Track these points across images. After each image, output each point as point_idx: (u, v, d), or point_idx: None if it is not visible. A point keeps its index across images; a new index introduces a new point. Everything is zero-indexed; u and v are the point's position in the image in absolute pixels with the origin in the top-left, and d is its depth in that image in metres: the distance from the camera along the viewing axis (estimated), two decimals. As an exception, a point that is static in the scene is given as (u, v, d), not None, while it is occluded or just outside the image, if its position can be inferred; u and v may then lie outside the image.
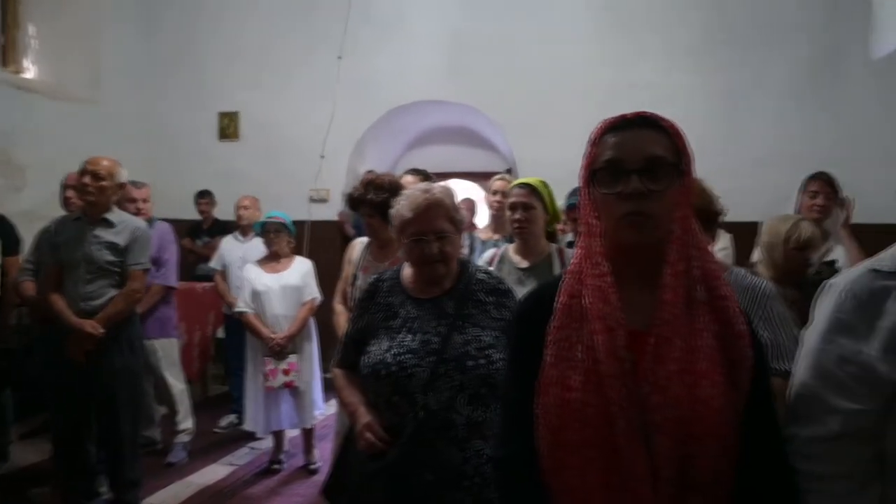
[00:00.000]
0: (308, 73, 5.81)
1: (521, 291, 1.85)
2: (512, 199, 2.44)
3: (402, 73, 5.63)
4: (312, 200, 5.82)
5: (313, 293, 3.66)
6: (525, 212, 2.39)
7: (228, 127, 6.12)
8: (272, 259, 3.66)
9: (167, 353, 3.75)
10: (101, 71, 5.75)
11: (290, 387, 3.54)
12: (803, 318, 1.01)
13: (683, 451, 0.89)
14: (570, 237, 3.17)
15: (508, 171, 5.35)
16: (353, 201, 2.74)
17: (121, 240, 2.88)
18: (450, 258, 1.68)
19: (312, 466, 3.70)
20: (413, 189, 1.76)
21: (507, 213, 2.47)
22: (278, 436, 3.77)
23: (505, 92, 5.40)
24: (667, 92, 4.86)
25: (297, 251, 3.95)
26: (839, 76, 4.78)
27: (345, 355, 1.78)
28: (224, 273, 4.31)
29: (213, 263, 4.41)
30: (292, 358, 3.54)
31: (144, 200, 3.69)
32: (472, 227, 4.55)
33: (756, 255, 2.44)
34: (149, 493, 3.24)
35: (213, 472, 3.65)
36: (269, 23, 5.93)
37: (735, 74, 5.00)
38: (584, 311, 0.96)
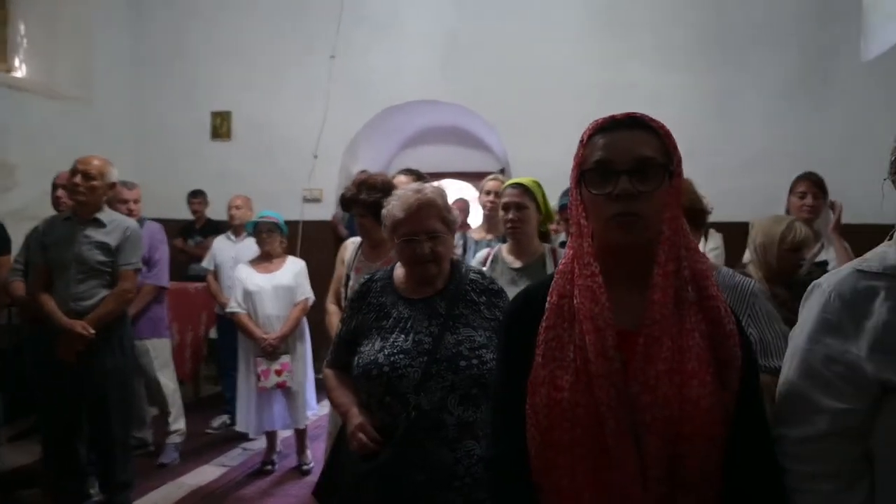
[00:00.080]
0: (301, 72, 5.80)
1: (514, 291, 1.84)
2: (505, 199, 2.44)
3: (396, 73, 5.63)
4: (305, 200, 5.81)
5: (306, 293, 3.65)
6: (518, 212, 2.39)
7: (221, 126, 6.10)
8: (264, 259, 3.65)
9: (159, 353, 3.73)
10: (93, 70, 5.72)
11: (282, 387, 3.53)
12: (794, 318, 1.02)
13: (673, 451, 0.89)
14: (563, 237, 3.17)
15: (502, 171, 5.36)
16: (346, 201, 2.73)
17: (112, 240, 2.86)
18: (442, 258, 1.68)
19: (305, 467, 3.69)
20: (405, 189, 1.76)
21: (501, 213, 2.48)
22: (271, 436, 3.76)
23: (498, 92, 5.41)
24: (660, 92, 4.88)
25: (290, 251, 3.93)
26: (830, 78, 4.81)
27: (336, 356, 1.77)
28: (216, 273, 4.30)
29: (205, 263, 4.39)
30: (285, 358, 3.53)
31: (135, 201, 3.67)
32: (466, 227, 4.55)
33: (747, 255, 2.45)
34: (140, 494, 3.22)
35: (205, 473, 3.64)
36: (261, 22, 5.91)
37: (727, 75, 5.02)
38: (574, 312, 0.96)
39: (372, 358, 1.60)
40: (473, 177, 6.01)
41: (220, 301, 4.18)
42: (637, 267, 0.96)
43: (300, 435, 3.74)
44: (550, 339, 0.97)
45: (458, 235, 3.23)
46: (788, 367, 0.97)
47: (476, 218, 4.94)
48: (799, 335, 0.96)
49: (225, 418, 4.35)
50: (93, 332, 2.74)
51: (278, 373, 3.50)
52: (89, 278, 2.82)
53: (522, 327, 1.02)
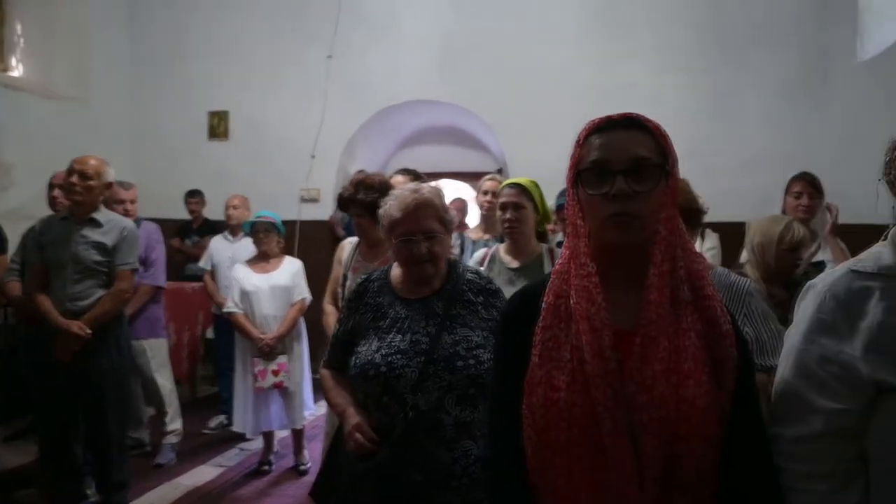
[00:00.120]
0: (298, 72, 5.79)
1: (511, 291, 1.84)
2: (502, 199, 2.44)
3: (393, 73, 5.63)
4: (303, 200, 5.80)
5: (303, 293, 3.65)
6: (515, 212, 2.39)
7: (218, 126, 6.09)
8: (261, 259, 3.65)
9: (156, 353, 3.73)
10: (90, 69, 5.70)
11: (279, 387, 3.53)
12: (791, 318, 1.02)
13: (669, 451, 0.90)
14: (560, 237, 3.18)
15: (499, 172, 5.36)
16: (343, 201, 2.73)
17: (108, 240, 2.85)
18: (439, 258, 1.68)
19: (302, 467, 3.69)
20: (402, 189, 1.76)
21: (498, 212, 2.48)
22: (268, 437, 3.75)
23: (496, 92, 5.41)
24: (657, 93, 4.89)
25: (288, 251, 3.93)
26: (827, 79, 4.82)
27: (333, 356, 1.77)
28: (213, 273, 4.29)
29: (202, 263, 4.38)
30: (282, 358, 3.52)
31: (132, 201, 3.67)
32: (464, 227, 4.55)
33: (744, 255, 2.45)
34: (137, 494, 3.21)
35: (202, 474, 3.63)
36: (259, 22, 5.90)
37: (724, 76, 5.03)
38: (571, 312, 0.96)
39: (369, 358, 1.60)
40: (471, 177, 6.01)
41: (217, 301, 4.17)
42: (633, 267, 0.96)
43: (297, 435, 3.73)
44: (547, 339, 0.97)
45: (455, 235, 3.23)
46: (784, 366, 0.97)
47: (474, 218, 4.94)
48: (794, 335, 0.97)
49: (222, 418, 4.35)
50: (89, 332, 2.73)
51: (275, 373, 3.50)
52: (86, 278, 2.82)
53: (519, 327, 1.03)
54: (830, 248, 2.87)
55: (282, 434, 3.93)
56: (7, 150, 4.82)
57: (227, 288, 3.83)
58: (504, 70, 5.38)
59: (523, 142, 5.28)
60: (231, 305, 3.57)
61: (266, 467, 3.71)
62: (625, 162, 0.93)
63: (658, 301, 0.92)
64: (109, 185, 2.94)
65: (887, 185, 0.91)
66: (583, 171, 0.97)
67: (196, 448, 3.98)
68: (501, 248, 2.51)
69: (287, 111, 5.82)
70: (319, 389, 1.90)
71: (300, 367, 3.68)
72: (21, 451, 3.69)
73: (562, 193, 3.00)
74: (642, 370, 0.91)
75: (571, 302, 0.96)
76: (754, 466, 0.94)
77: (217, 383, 4.73)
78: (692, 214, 1.79)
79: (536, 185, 2.50)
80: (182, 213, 5.43)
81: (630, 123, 0.97)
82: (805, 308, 0.96)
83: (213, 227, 4.97)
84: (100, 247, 2.83)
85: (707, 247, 3.11)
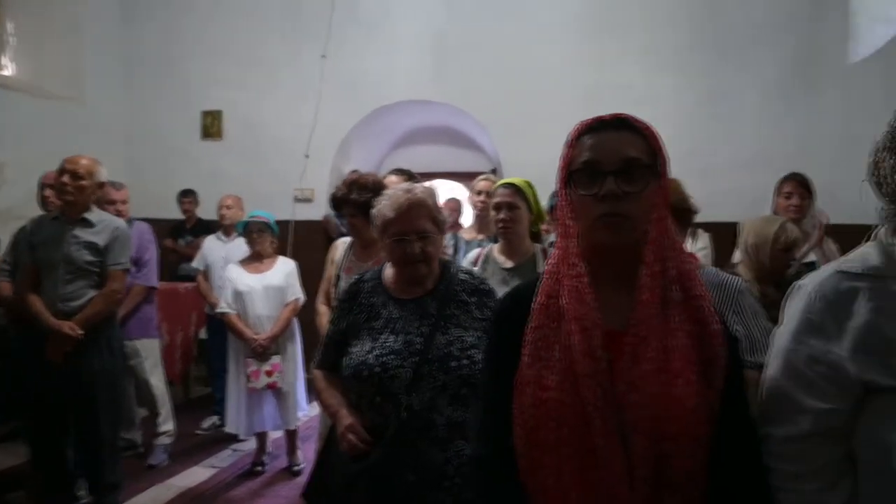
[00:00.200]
0: (292, 72, 5.78)
1: (505, 291, 1.85)
2: (496, 199, 2.44)
3: (387, 73, 5.62)
4: (297, 200, 5.79)
5: (296, 294, 3.64)
6: (509, 212, 2.40)
7: (212, 126, 6.07)
8: (255, 259, 3.63)
9: (149, 354, 3.71)
10: (83, 69, 5.67)
11: (273, 388, 3.52)
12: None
13: (659, 451, 0.90)
14: (553, 237, 3.18)
15: (493, 172, 5.37)
16: (337, 201, 2.73)
17: (100, 240, 2.84)
18: (432, 258, 1.68)
19: (296, 468, 3.68)
20: (395, 189, 1.76)
21: (492, 213, 2.48)
22: (261, 437, 3.74)
23: (490, 92, 5.41)
24: (650, 93, 4.90)
25: (281, 251, 3.92)
26: (819, 79, 4.85)
27: (325, 356, 1.77)
28: (206, 273, 4.27)
29: (196, 263, 4.36)
30: (275, 359, 3.51)
31: (123, 202, 3.65)
32: (458, 226, 4.55)
33: (737, 255, 2.46)
34: (129, 496, 3.20)
35: (195, 475, 3.62)
36: (253, 21, 5.89)
37: (716, 77, 5.05)
38: (561, 312, 0.96)
39: (362, 359, 1.60)
40: (465, 177, 6.00)
41: (210, 301, 4.16)
42: (624, 267, 0.96)
43: (291, 436, 3.72)
44: (537, 339, 0.97)
45: (449, 235, 3.23)
46: (772, 367, 0.97)
47: (468, 218, 4.94)
48: (782, 335, 0.97)
49: (215, 419, 4.33)
50: (81, 332, 2.72)
51: (269, 373, 3.48)
52: (77, 278, 2.80)
53: (510, 327, 1.03)
54: (818, 257, 2.90)
55: (275, 435, 3.92)
56: (-1, 150, 4.80)
57: (221, 288, 3.81)
58: (498, 70, 5.38)
59: (517, 142, 5.29)
60: (224, 306, 3.56)
61: (259, 468, 3.70)
62: (615, 163, 0.94)
63: (648, 301, 0.92)
64: (101, 185, 2.92)
65: (873, 185, 0.91)
66: (573, 172, 0.97)
67: (189, 449, 3.96)
68: (495, 249, 2.51)
69: (281, 111, 5.81)
70: (313, 390, 1.90)
71: (294, 367, 3.66)
72: (11, 453, 3.66)
73: (555, 194, 3.00)
74: (632, 370, 0.91)
75: (562, 302, 0.96)
76: (743, 466, 0.95)
77: (210, 384, 4.71)
78: (683, 214, 1.80)
79: (530, 186, 2.50)
80: (175, 213, 5.41)
81: (621, 124, 0.98)
82: (793, 308, 0.96)
83: (207, 227, 4.95)
84: (92, 247, 2.81)
85: (699, 247, 3.12)
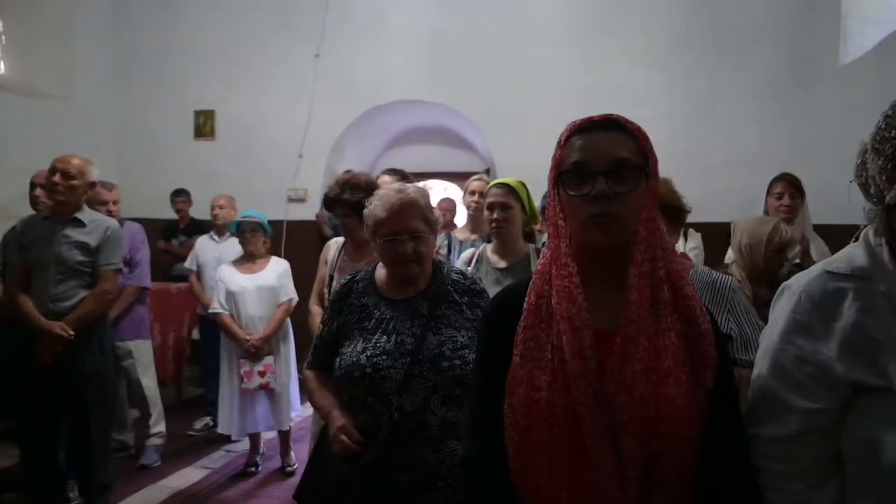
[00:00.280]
0: (286, 71, 5.76)
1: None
2: (490, 199, 2.45)
3: (381, 73, 5.61)
4: (290, 200, 5.78)
5: (289, 294, 3.63)
6: (503, 212, 2.40)
7: (204, 125, 6.04)
8: (247, 259, 3.62)
9: (141, 354, 3.70)
10: (74, 67, 5.64)
11: (265, 389, 3.51)
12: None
13: (649, 450, 0.90)
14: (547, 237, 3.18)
15: (487, 172, 5.37)
16: (329, 201, 2.72)
17: (92, 240, 2.82)
18: (424, 258, 1.68)
19: (289, 469, 3.67)
20: (387, 189, 1.76)
21: (485, 213, 2.48)
22: (254, 438, 3.73)
23: (484, 92, 5.41)
24: (645, 94, 4.91)
25: (275, 251, 3.91)
26: (810, 81, 4.87)
27: (317, 357, 1.76)
28: (199, 273, 4.26)
29: (188, 264, 4.35)
30: (268, 360, 3.50)
31: (115, 202, 3.63)
32: (453, 226, 4.55)
33: (730, 255, 2.47)
34: (121, 497, 3.19)
35: (188, 476, 3.60)
36: (246, 20, 5.87)
37: (708, 78, 5.06)
38: (552, 312, 0.96)
39: (354, 359, 1.59)
40: (458, 177, 6.01)
41: (202, 302, 4.14)
42: (614, 267, 0.97)
43: (284, 436, 3.71)
44: (528, 339, 0.98)
45: (442, 236, 3.23)
46: (760, 367, 0.98)
47: (462, 218, 4.94)
48: (770, 336, 0.97)
49: (207, 420, 4.32)
50: (72, 333, 2.70)
51: (261, 374, 3.47)
52: (68, 279, 2.79)
53: (501, 327, 1.03)
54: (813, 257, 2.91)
55: (268, 435, 3.91)
56: (-11, 149, 4.76)
57: (213, 289, 3.80)
58: (492, 70, 5.38)
59: (511, 142, 5.29)
60: (217, 306, 3.54)
61: (252, 469, 3.69)
62: (605, 163, 0.94)
63: (638, 301, 0.93)
64: (93, 185, 2.91)
65: (860, 186, 0.92)
66: (564, 173, 0.98)
67: (181, 450, 3.95)
68: (489, 248, 2.51)
69: (274, 110, 5.79)
70: (306, 390, 1.90)
71: (287, 368, 3.65)
72: (3, 454, 3.64)
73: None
74: (622, 370, 0.91)
75: (553, 302, 0.97)
76: (733, 465, 0.95)
77: (203, 385, 4.69)
78: (676, 213, 1.81)
79: (524, 186, 2.50)
80: (167, 213, 5.39)
81: (611, 125, 0.98)
82: (781, 309, 0.96)
83: (201, 227, 4.93)
84: (83, 247, 2.80)
85: (690, 247, 3.14)
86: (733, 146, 4.96)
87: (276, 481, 3.58)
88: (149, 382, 3.73)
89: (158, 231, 5.17)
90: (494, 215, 2.41)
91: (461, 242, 3.27)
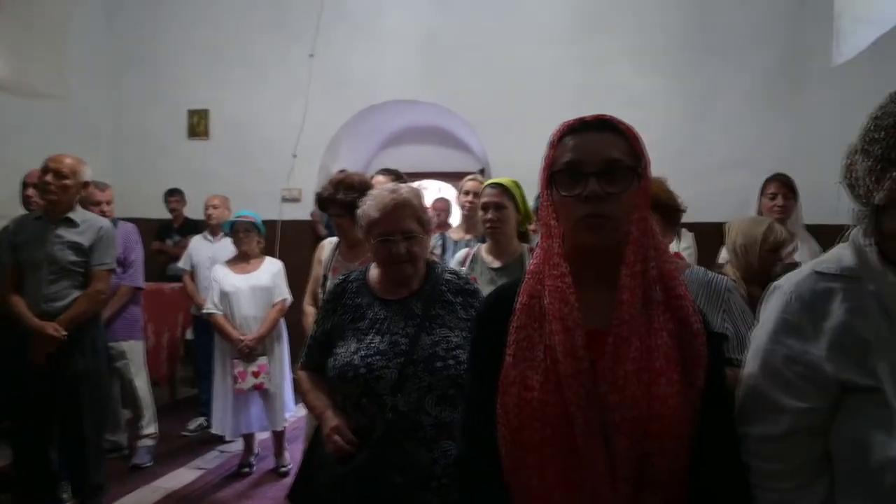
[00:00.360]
0: (280, 71, 5.75)
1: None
2: (484, 199, 2.45)
3: (376, 73, 5.61)
4: (284, 200, 5.77)
5: (283, 294, 3.62)
6: (497, 212, 2.40)
7: (198, 125, 6.02)
8: (241, 259, 3.61)
9: (134, 355, 3.68)
10: (67, 67, 5.61)
11: (259, 389, 3.50)
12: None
13: (641, 450, 0.90)
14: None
15: (481, 172, 5.37)
16: (323, 201, 2.71)
17: (84, 240, 2.81)
18: (417, 258, 1.68)
19: (283, 469, 3.66)
20: (380, 189, 1.76)
21: (480, 213, 2.48)
22: (248, 439, 3.72)
23: (478, 92, 5.42)
24: (639, 94, 4.93)
25: (269, 251, 3.90)
26: (803, 81, 4.89)
27: (310, 357, 1.76)
28: (193, 273, 4.25)
29: (182, 264, 4.33)
30: (262, 360, 3.49)
31: (108, 202, 3.62)
32: (447, 226, 4.55)
33: (723, 255, 2.48)
34: (114, 498, 3.17)
35: (181, 477, 3.59)
36: (240, 19, 5.85)
37: (702, 79, 5.08)
38: (544, 312, 0.96)
39: (347, 360, 1.59)
40: (453, 177, 6.00)
41: (196, 302, 4.13)
42: (606, 267, 0.97)
43: (278, 437, 3.71)
44: (521, 339, 0.98)
45: (437, 236, 3.23)
46: (750, 366, 0.98)
47: (456, 218, 4.94)
48: (760, 335, 0.98)
49: (201, 420, 4.30)
50: (64, 333, 2.69)
51: (255, 374, 3.46)
52: (61, 279, 2.77)
53: (494, 327, 1.03)
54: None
55: (262, 436, 3.90)
56: (-20, 149, 4.73)
57: (207, 289, 3.79)
58: (487, 70, 5.38)
59: (505, 142, 5.29)
60: (210, 306, 3.53)
61: (246, 469, 3.68)
62: (597, 164, 0.94)
63: (630, 301, 0.93)
64: (86, 185, 2.89)
65: (846, 187, 0.92)
66: (556, 173, 0.98)
67: (175, 450, 3.93)
68: (483, 248, 2.51)
69: (268, 110, 5.77)
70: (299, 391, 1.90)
71: (281, 368, 3.64)
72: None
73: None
74: (614, 370, 0.91)
75: (545, 302, 0.97)
76: (724, 464, 0.95)
77: (196, 385, 4.67)
78: (672, 213, 1.81)
79: (518, 186, 2.51)
80: (161, 213, 5.37)
81: (603, 125, 0.98)
82: (770, 309, 0.97)
83: (195, 227, 4.92)
84: (76, 247, 2.79)
85: (683, 246, 3.15)
86: (727, 146, 4.97)
87: (270, 482, 3.57)
88: (141, 383, 3.71)
89: (152, 231, 5.15)
90: (489, 215, 2.41)
91: (455, 242, 3.27)
